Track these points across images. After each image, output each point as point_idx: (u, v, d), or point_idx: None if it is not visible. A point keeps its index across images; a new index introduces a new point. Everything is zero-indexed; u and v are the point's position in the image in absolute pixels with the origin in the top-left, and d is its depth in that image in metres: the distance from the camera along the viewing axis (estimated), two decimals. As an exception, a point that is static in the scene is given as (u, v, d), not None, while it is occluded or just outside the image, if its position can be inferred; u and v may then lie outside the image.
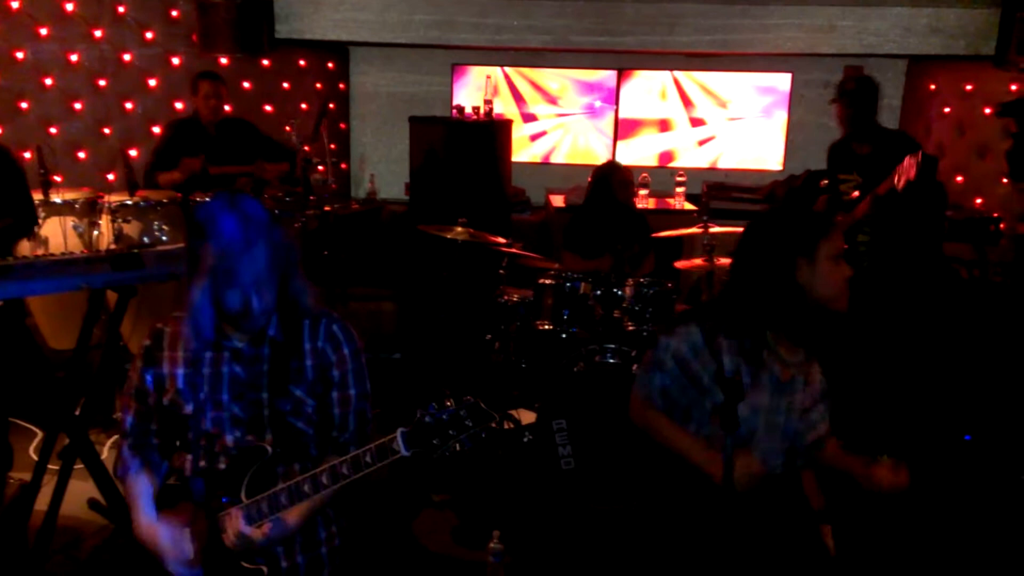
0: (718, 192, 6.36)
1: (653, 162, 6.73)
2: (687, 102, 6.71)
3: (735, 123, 6.72)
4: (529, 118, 6.68)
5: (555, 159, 6.75)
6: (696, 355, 2.01)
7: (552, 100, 6.68)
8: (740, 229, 4.38)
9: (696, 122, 6.74)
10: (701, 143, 6.77)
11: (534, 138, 6.72)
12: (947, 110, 6.06)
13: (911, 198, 3.81)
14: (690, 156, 6.77)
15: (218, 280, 1.89)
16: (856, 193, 4.07)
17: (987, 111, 5.60)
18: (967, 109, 5.92)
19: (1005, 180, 5.23)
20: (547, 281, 4.06)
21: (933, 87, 6.24)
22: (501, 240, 4.29)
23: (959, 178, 5.82)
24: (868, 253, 4.08)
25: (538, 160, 6.74)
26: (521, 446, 3.77)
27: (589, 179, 4.80)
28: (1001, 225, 5.02)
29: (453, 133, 5.44)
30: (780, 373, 2.01)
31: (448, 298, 4.77)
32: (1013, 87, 5.48)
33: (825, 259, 1.97)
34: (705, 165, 6.76)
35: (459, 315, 4.75)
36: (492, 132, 5.52)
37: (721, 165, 6.77)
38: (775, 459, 2.02)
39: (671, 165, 6.66)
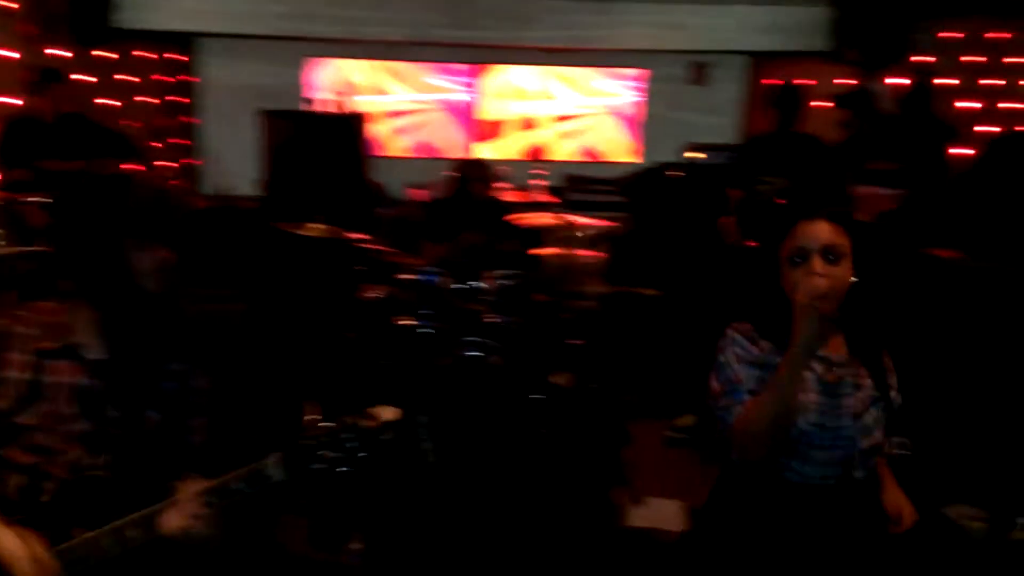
0: (577, 185, 6.49)
1: (519, 157, 6.79)
2: (548, 97, 6.80)
3: (594, 118, 6.87)
4: (390, 113, 6.60)
5: (416, 154, 6.70)
6: (754, 344, 1.94)
7: (411, 94, 6.62)
8: (595, 221, 4.53)
9: (559, 118, 6.85)
10: (563, 137, 6.89)
11: (395, 133, 6.65)
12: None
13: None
14: (555, 150, 6.88)
15: (89, 273, 1.79)
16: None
17: (823, 104, 5.94)
18: (808, 102, 6.27)
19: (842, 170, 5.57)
20: (406, 277, 4.02)
21: (776, 81, 6.57)
22: (359, 236, 4.22)
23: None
24: None
25: (399, 154, 6.67)
26: (382, 444, 3.72)
27: (447, 173, 4.80)
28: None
29: (306, 127, 5.31)
30: (825, 374, 1.91)
31: (305, 297, 4.66)
32: (846, 80, 5.83)
33: (784, 261, 1.92)
34: (568, 159, 6.88)
35: (317, 314, 4.64)
36: (346, 126, 5.43)
37: (583, 159, 6.91)
38: (829, 468, 1.90)
39: (535, 159, 6.74)
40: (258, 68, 6.43)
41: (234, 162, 6.47)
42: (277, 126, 5.34)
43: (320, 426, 1.72)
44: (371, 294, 4.08)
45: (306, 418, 1.69)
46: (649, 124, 6.89)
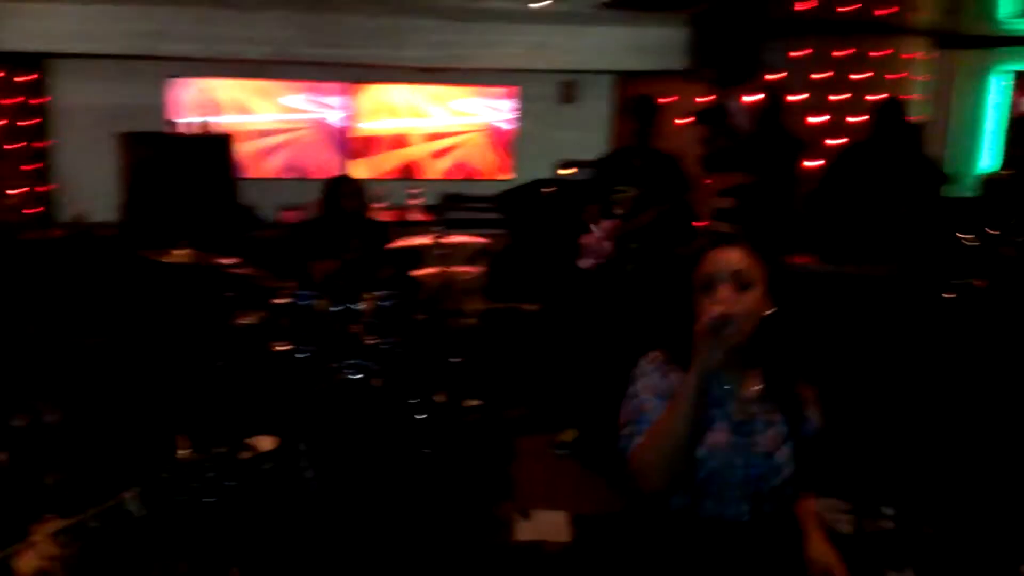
0: (453, 203, 6.52)
1: (393, 176, 6.76)
2: (421, 115, 6.81)
3: (466, 136, 6.93)
4: (259, 133, 6.45)
5: (287, 174, 6.57)
6: (666, 374, 1.89)
7: (281, 114, 6.50)
8: (471, 239, 4.56)
9: (432, 136, 6.87)
10: (437, 156, 6.91)
11: (265, 154, 6.50)
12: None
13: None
14: (428, 169, 6.89)
15: None
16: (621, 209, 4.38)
17: (684, 121, 6.20)
18: (667, 119, 6.52)
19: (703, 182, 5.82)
20: (281, 301, 3.92)
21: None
22: (228, 261, 4.09)
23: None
24: (635, 257, 4.38)
25: (270, 175, 6.52)
26: (261, 475, 3.61)
27: (321, 193, 4.72)
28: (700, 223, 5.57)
29: (167, 150, 5.13)
30: (736, 412, 1.88)
31: (171, 326, 4.47)
32: (704, 98, 6.11)
33: (696, 287, 1.87)
34: (442, 177, 6.91)
35: (185, 344, 4.46)
36: (212, 147, 5.27)
37: (457, 177, 6.95)
38: (739, 506, 1.86)
39: (409, 178, 6.73)
40: (117, 88, 6.14)
41: (92, 187, 6.15)
42: (138, 149, 5.13)
43: (183, 459, 1.67)
44: (244, 320, 3.96)
45: (171, 451, 1.63)
46: (520, 141, 7.01)
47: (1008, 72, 6.09)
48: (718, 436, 1.85)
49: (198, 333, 4.37)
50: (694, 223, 5.53)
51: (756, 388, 1.90)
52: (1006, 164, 4.48)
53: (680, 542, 1.87)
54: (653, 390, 1.88)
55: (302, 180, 6.51)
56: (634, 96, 4.69)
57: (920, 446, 3.55)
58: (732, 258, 1.84)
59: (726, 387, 1.87)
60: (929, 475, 3.44)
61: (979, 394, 3.66)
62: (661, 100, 5.21)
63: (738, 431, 1.87)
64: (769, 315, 1.84)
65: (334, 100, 6.58)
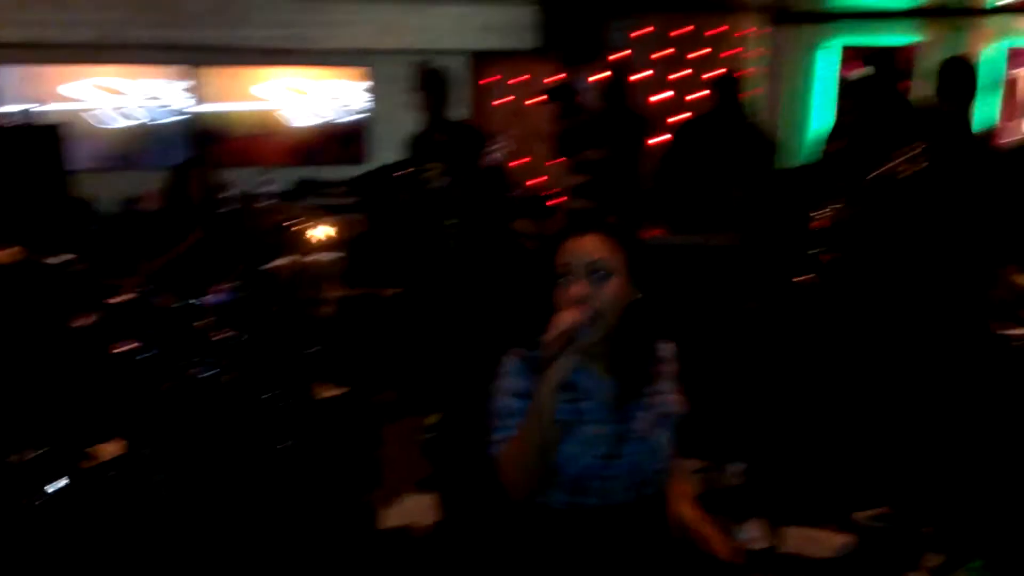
0: (308, 189, 6.36)
1: (240, 163, 6.51)
2: (270, 100, 6.60)
3: (319, 119, 6.76)
4: (93, 122, 6.07)
5: (126, 165, 6.22)
6: (529, 371, 1.76)
7: (116, 101, 6.14)
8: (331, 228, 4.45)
9: (281, 120, 6.66)
10: (287, 141, 6.71)
11: (100, 144, 6.12)
12: (505, 99, 6.69)
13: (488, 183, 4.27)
14: (278, 154, 6.67)
15: None
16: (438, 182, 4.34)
17: (536, 99, 6.28)
18: (521, 98, 6.59)
19: (556, 160, 5.91)
20: (121, 299, 3.73)
21: (493, 79, 6.83)
22: (60, 259, 3.85)
23: (521, 160, 6.46)
24: (455, 234, 4.36)
25: (107, 166, 6.15)
26: (106, 483, 3.43)
27: (166, 182, 4.46)
28: (556, 200, 5.66)
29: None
30: (607, 400, 1.80)
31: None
32: (555, 77, 6.19)
33: (557, 275, 1.78)
34: (293, 163, 6.71)
35: (17, 349, 4.17)
36: (37, 139, 4.92)
37: (308, 163, 6.77)
38: (620, 495, 1.80)
39: (259, 164, 6.50)
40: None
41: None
42: (-49, 142, 4.73)
43: (17, 470, 1.55)
44: (80, 322, 3.74)
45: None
46: (374, 124, 6.89)
47: (836, 46, 6.46)
48: (596, 429, 1.78)
49: (28, 337, 4.09)
50: (549, 202, 5.63)
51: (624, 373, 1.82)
52: (838, 134, 4.73)
53: (559, 533, 1.81)
54: (514, 391, 1.79)
55: (141, 171, 6.18)
56: (423, 71, 4.62)
57: (766, 405, 3.75)
58: (587, 247, 1.74)
59: (594, 378, 1.80)
60: (774, 433, 3.65)
61: (820, 356, 3.90)
62: (520, 79, 5.23)
63: (615, 419, 1.79)
64: (634, 301, 1.77)
65: (174, 85, 6.27)
